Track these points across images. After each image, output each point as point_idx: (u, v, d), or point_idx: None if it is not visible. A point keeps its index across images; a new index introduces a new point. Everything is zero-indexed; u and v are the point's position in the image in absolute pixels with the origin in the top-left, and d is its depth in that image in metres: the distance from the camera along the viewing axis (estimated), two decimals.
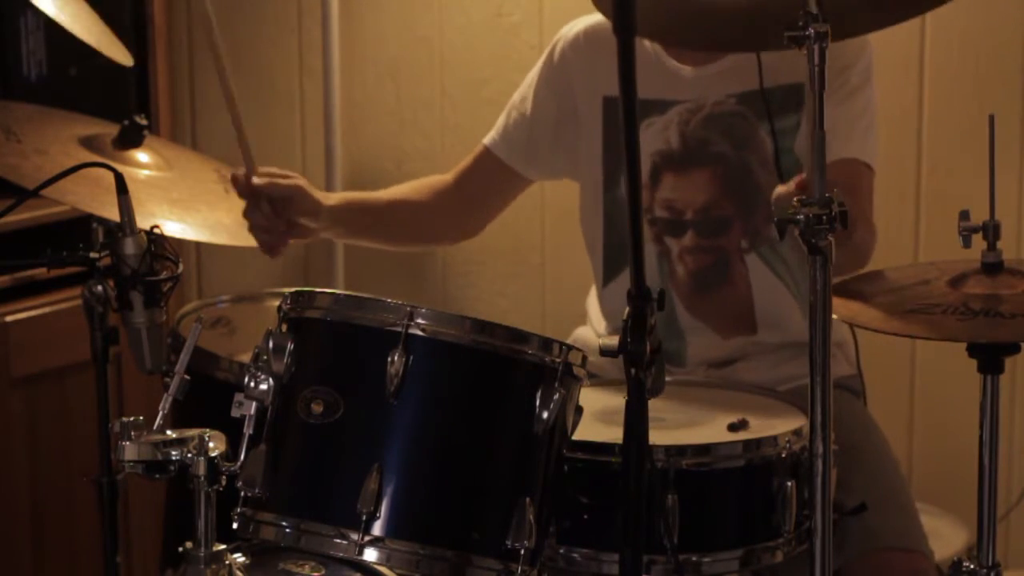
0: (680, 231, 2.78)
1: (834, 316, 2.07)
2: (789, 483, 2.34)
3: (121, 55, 2.83)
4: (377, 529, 2.09)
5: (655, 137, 2.78)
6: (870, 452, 2.69)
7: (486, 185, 2.97)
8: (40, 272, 3.05)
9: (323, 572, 2.19)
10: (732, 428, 2.44)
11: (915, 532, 2.61)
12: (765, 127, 2.74)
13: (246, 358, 2.23)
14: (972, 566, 2.25)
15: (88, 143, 2.73)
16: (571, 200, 3.00)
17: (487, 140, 2.96)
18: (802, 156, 2.72)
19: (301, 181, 2.79)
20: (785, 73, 2.72)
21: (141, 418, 2.09)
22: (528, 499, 2.14)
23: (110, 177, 2.33)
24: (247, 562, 2.21)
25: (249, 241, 2.77)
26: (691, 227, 2.78)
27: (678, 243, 2.79)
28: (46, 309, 3.12)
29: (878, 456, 2.71)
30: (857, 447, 2.63)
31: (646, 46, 2.77)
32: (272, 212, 2.75)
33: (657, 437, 2.27)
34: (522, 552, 2.13)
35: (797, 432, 2.38)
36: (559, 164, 2.92)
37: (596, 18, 2.86)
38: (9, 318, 3.08)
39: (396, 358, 2.10)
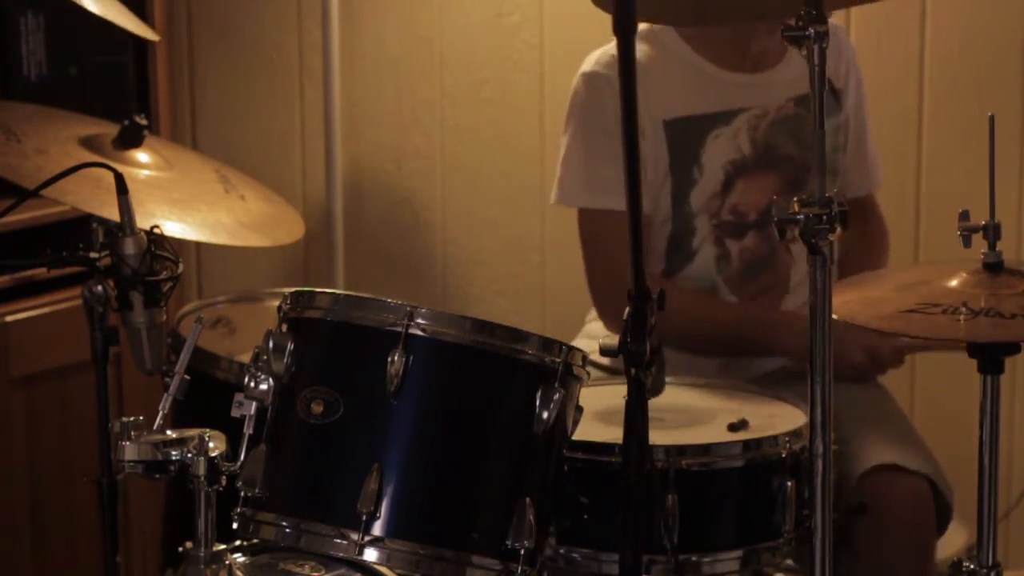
0: (742, 233, 2.84)
1: (834, 316, 2.08)
2: (789, 483, 2.34)
3: (146, 31, 2.88)
4: (377, 529, 2.09)
5: (725, 146, 2.83)
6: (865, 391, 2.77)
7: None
8: (40, 272, 3.04)
9: (323, 572, 2.19)
10: (732, 428, 2.44)
11: (913, 452, 2.63)
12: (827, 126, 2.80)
13: (246, 358, 2.23)
14: (972, 566, 2.25)
15: (88, 143, 2.73)
16: None
17: (616, 205, 2.83)
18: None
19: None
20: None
21: (141, 418, 2.09)
22: (528, 499, 2.14)
23: (110, 177, 2.33)
24: (247, 562, 2.21)
25: (249, 241, 2.77)
26: (752, 228, 2.83)
27: (738, 244, 2.85)
28: (46, 309, 3.12)
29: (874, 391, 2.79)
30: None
31: (696, 63, 2.82)
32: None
33: (657, 437, 2.27)
34: (522, 552, 2.13)
35: (797, 432, 2.38)
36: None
37: (612, 49, 2.86)
38: (9, 318, 3.07)
39: (396, 358, 2.10)
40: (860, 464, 2.59)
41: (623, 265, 2.56)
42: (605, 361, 2.33)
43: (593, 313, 2.98)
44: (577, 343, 2.93)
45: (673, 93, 2.81)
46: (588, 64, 2.86)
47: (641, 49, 2.82)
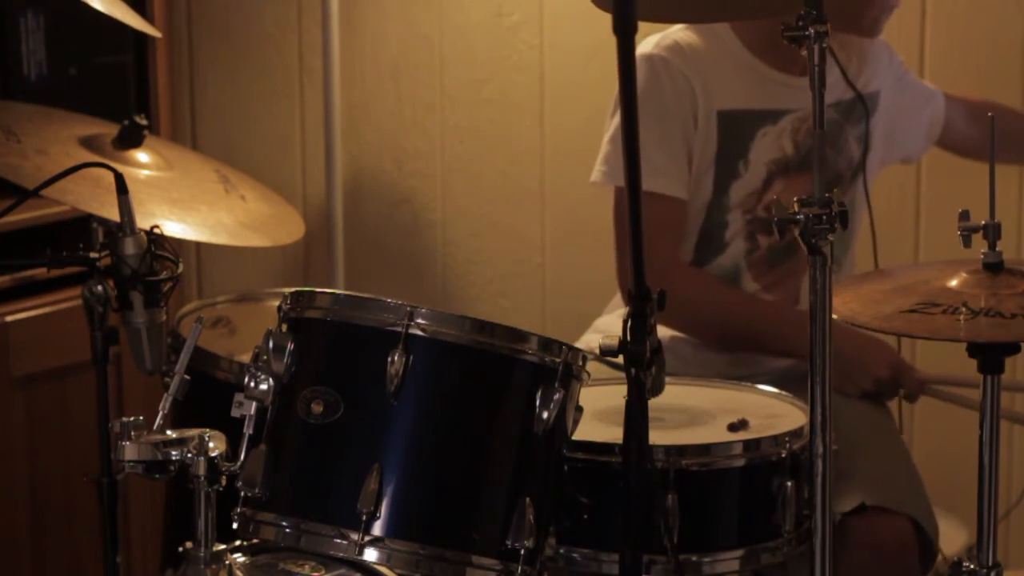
0: (772, 229, 2.84)
1: (834, 316, 2.08)
2: (789, 483, 2.34)
3: (148, 28, 2.90)
4: (377, 529, 2.09)
5: (770, 145, 2.86)
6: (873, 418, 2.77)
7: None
8: (40, 272, 3.04)
9: (323, 572, 2.19)
10: (732, 428, 2.44)
11: (902, 488, 2.63)
12: (855, 132, 2.89)
13: (246, 358, 2.23)
14: (972, 566, 2.25)
15: (88, 143, 2.73)
16: (571, 200, 3.00)
17: (660, 188, 2.85)
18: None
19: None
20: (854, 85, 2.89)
21: (141, 418, 2.09)
22: (528, 499, 2.14)
23: (110, 177, 2.33)
24: (247, 562, 2.21)
25: (249, 241, 2.77)
26: None
27: (768, 239, 2.87)
28: (46, 309, 3.12)
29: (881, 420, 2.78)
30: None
31: (749, 60, 2.85)
32: None
33: (657, 437, 2.27)
34: (522, 552, 2.13)
35: (797, 432, 2.38)
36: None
37: (672, 35, 2.86)
38: (9, 318, 3.07)
39: (396, 358, 2.10)
40: (846, 498, 2.57)
41: (657, 249, 2.58)
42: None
43: (610, 305, 2.98)
44: (586, 338, 2.95)
45: (728, 85, 2.83)
46: (647, 46, 2.85)
47: (694, 40, 2.85)
